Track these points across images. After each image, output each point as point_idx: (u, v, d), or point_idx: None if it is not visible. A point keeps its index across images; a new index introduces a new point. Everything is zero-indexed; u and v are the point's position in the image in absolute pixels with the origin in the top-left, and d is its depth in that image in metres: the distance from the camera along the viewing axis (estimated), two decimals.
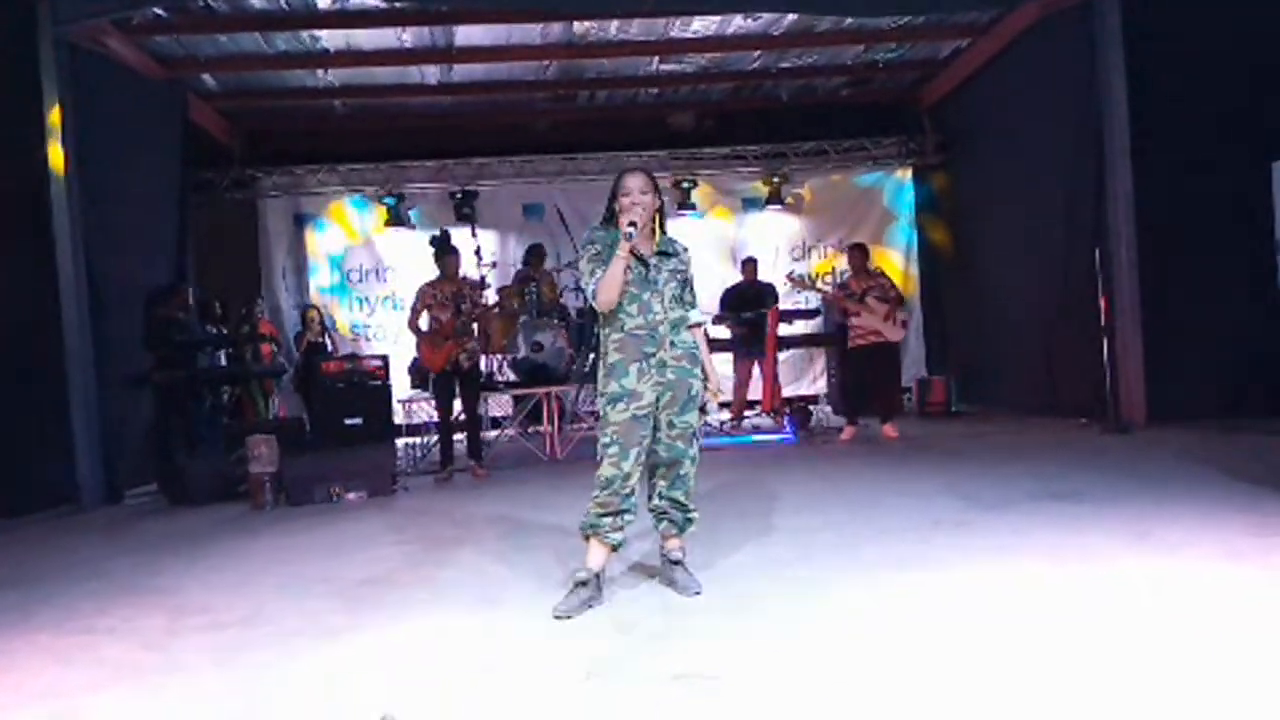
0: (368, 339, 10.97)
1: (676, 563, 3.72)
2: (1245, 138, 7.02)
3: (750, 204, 11.43)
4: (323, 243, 11.12)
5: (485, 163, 10.99)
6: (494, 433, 8.97)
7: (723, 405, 9.38)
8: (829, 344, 9.93)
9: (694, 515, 3.75)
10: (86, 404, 6.98)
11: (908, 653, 2.85)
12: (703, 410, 3.68)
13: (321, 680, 2.98)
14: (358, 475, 6.61)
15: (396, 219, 10.87)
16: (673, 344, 3.60)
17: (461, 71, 9.84)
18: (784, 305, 9.46)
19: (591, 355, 3.77)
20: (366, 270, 11.14)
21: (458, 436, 7.43)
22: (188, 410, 7.39)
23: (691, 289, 3.76)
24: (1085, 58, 7.73)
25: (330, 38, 8.74)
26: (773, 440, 8.38)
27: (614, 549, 3.64)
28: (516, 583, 4.01)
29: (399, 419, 8.89)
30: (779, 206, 11.26)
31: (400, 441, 8.72)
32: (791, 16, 8.83)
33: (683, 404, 3.61)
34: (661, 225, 3.70)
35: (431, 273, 7.54)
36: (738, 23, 9.03)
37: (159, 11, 7.78)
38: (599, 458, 3.58)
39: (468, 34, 8.89)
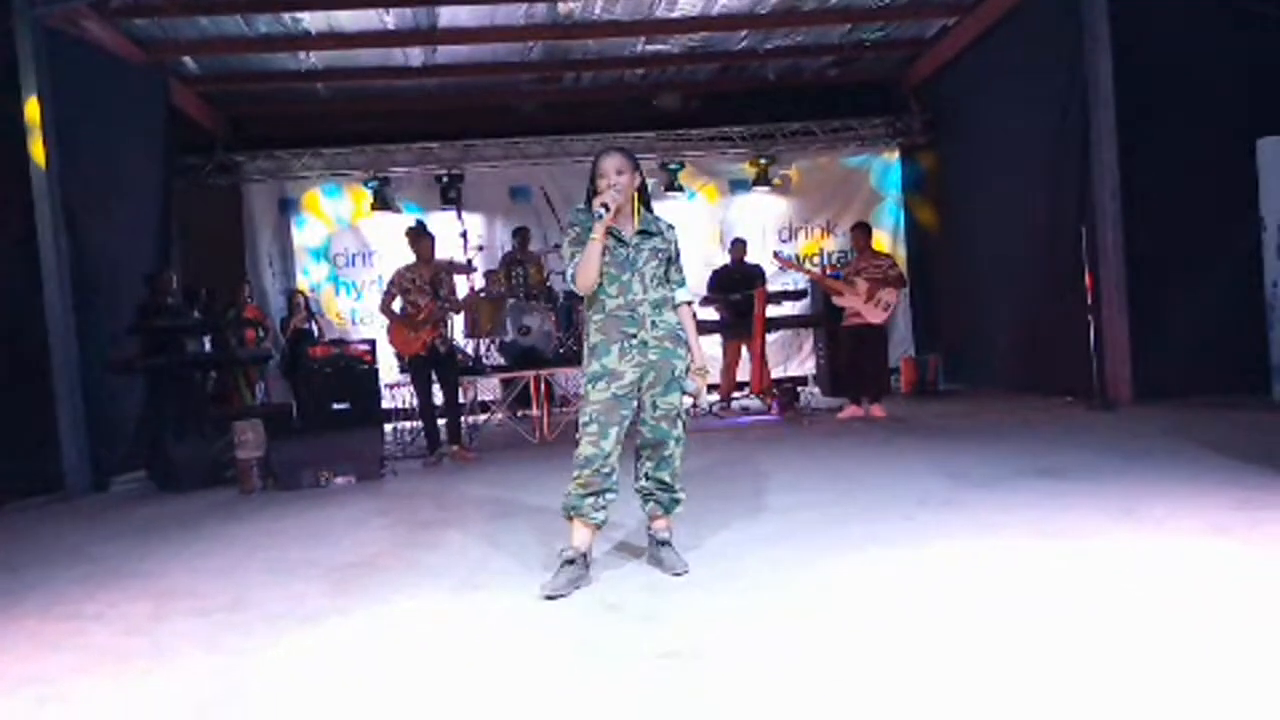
0: (354, 323, 10.92)
1: (663, 543, 3.72)
2: (1231, 115, 7.03)
3: (737, 185, 11.41)
4: (308, 227, 11.05)
5: (471, 145, 10.94)
6: (482, 416, 8.95)
7: (711, 387, 9.39)
8: (817, 325, 9.94)
9: (680, 496, 3.74)
10: (71, 391, 6.94)
11: (894, 630, 2.86)
12: (686, 391, 3.65)
13: (306, 663, 2.98)
14: (345, 460, 6.59)
15: (382, 203, 10.81)
16: (654, 324, 3.59)
17: (445, 53, 9.78)
18: (772, 286, 9.45)
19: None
20: (353, 255, 11.08)
21: (440, 421, 7.40)
22: (174, 396, 7.34)
23: (678, 267, 3.74)
24: (1071, 35, 7.71)
25: (312, 20, 8.67)
26: (761, 421, 8.39)
27: (597, 528, 3.62)
28: (502, 564, 4.01)
29: (387, 403, 8.85)
30: (766, 188, 11.24)
31: (388, 426, 8.69)
32: None
33: (666, 384, 3.60)
34: (645, 203, 3.69)
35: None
36: (723, 2, 8.99)
37: None
38: (578, 436, 3.58)
39: (451, 15, 8.82)
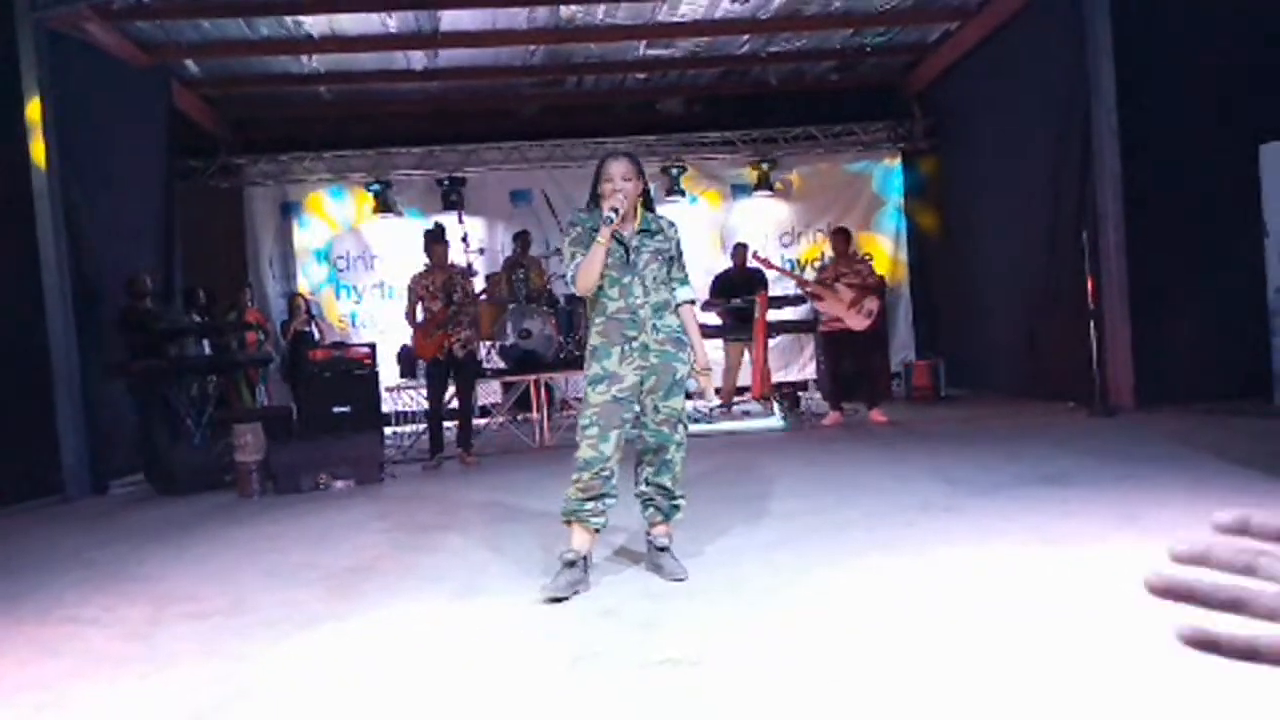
0: (355, 326, 10.92)
1: (663, 549, 3.68)
2: (1233, 120, 7.01)
3: (739, 190, 11.40)
4: (309, 230, 11.05)
5: (472, 149, 10.93)
6: (483, 420, 8.93)
7: (715, 391, 9.37)
8: (816, 330, 9.92)
9: (680, 502, 3.70)
10: (71, 394, 6.93)
11: (894, 637, 2.85)
12: (689, 394, 3.66)
13: (305, 668, 2.97)
14: (345, 463, 6.58)
15: (384, 206, 10.80)
16: (655, 327, 3.57)
17: (447, 57, 9.77)
18: (774, 291, 9.43)
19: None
20: (354, 258, 11.07)
21: (447, 424, 7.40)
22: (169, 400, 7.33)
23: (680, 265, 3.72)
24: (1074, 41, 7.70)
25: (314, 23, 8.66)
26: (761, 426, 8.37)
27: (596, 532, 3.60)
28: (502, 569, 4.00)
29: (387, 407, 8.84)
30: (768, 192, 11.23)
31: (388, 430, 8.69)
32: (777, 1, 8.78)
33: (667, 389, 3.58)
34: (648, 206, 3.69)
35: (419, 261, 7.51)
36: (725, 6, 8.98)
37: None
38: (578, 439, 3.56)
39: (453, 19, 8.81)
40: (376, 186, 10.75)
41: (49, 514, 6.28)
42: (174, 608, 3.75)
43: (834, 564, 3.70)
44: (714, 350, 9.30)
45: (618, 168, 3.57)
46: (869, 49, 10.34)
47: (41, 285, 6.87)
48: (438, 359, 7.18)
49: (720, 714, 2.38)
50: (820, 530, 4.26)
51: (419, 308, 7.21)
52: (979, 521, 4.21)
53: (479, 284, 8.69)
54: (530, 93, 11.02)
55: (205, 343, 8.73)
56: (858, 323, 7.92)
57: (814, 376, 10.72)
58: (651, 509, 3.69)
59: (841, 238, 8.34)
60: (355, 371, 8.27)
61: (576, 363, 8.22)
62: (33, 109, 6.82)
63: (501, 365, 8.48)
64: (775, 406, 8.68)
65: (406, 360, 9.41)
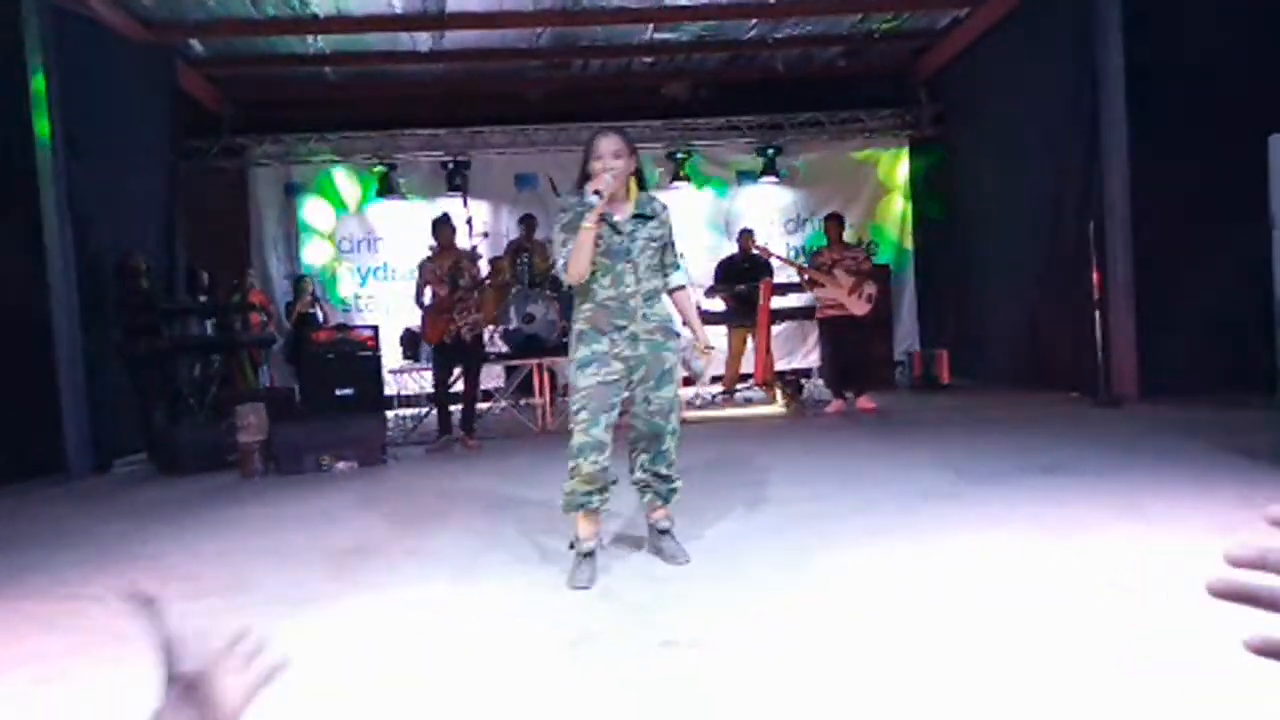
0: (359, 309, 10.91)
1: (664, 532, 3.67)
2: (1243, 112, 6.93)
3: (745, 175, 11.35)
4: (313, 211, 11.02)
5: (478, 132, 10.88)
6: (486, 404, 8.93)
7: (715, 378, 9.37)
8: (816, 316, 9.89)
9: (677, 485, 3.67)
10: (74, 372, 6.92)
11: (893, 622, 2.84)
12: (689, 378, 3.66)
13: (304, 648, 2.97)
14: (348, 445, 6.58)
15: (388, 188, 10.77)
16: (645, 316, 3.46)
17: (453, 39, 9.72)
18: (778, 278, 9.40)
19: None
20: (358, 240, 11.05)
21: (453, 407, 7.40)
22: (170, 379, 7.33)
23: (672, 249, 3.60)
24: (1082, 30, 7.65)
25: (320, 3, 8.62)
26: (763, 413, 8.36)
27: (598, 512, 3.57)
28: (503, 553, 4.00)
29: (390, 390, 8.84)
30: (774, 178, 11.19)
31: (390, 412, 8.68)
32: None
33: (658, 378, 3.49)
34: (641, 185, 3.54)
35: (423, 244, 7.52)
36: None
37: None
38: (570, 425, 3.48)
39: (460, 0, 8.77)
40: (380, 168, 10.71)
41: (51, 492, 6.28)
42: (175, 586, 3.75)
43: (834, 550, 3.69)
44: (717, 337, 9.32)
45: (607, 144, 3.40)
46: (877, 35, 10.27)
47: (45, 264, 6.86)
48: (444, 343, 7.19)
49: (719, 697, 2.38)
50: (821, 516, 4.26)
51: (428, 292, 7.22)
52: (981, 509, 4.20)
53: (483, 268, 8.68)
54: (536, 76, 10.96)
55: (208, 323, 8.73)
56: (859, 308, 7.93)
57: (817, 364, 10.70)
58: (650, 494, 3.66)
59: (835, 224, 8.33)
60: (358, 353, 8.27)
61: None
62: (37, 85, 6.79)
63: (505, 349, 8.47)
64: (778, 394, 8.67)
65: (409, 343, 9.41)
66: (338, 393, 8.29)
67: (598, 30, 9.76)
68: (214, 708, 0.85)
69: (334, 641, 3.00)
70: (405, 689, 2.58)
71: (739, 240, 9.83)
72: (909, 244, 11.46)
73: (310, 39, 9.46)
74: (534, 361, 8.13)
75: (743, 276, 9.29)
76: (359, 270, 11.06)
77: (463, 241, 8.19)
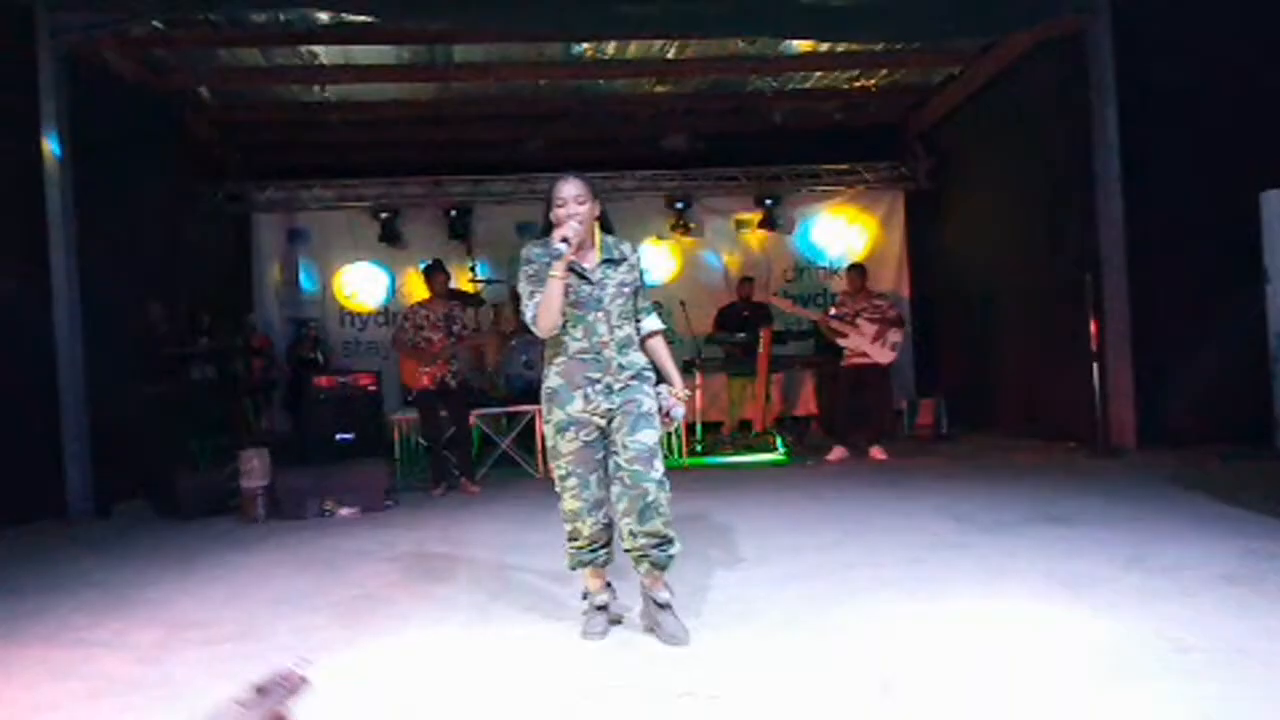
0: (359, 355, 10.94)
1: (664, 605, 3.33)
2: (1234, 167, 7.10)
3: (743, 225, 11.47)
4: (315, 257, 11.10)
5: (480, 180, 11.00)
6: (485, 450, 8.94)
7: (715, 425, 9.40)
8: (819, 365, 9.95)
9: (674, 548, 3.33)
10: (77, 415, 6.93)
11: (911, 677, 2.86)
12: (667, 417, 3.38)
13: (321, 695, 2.96)
14: (350, 490, 6.58)
15: (390, 236, 10.86)
16: (620, 366, 3.30)
17: (459, 88, 9.87)
18: (778, 326, 9.48)
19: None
20: (359, 286, 11.11)
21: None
22: (180, 423, 7.34)
23: (644, 294, 3.45)
24: (1077, 85, 7.81)
25: (328, 53, 8.76)
26: (763, 460, 8.38)
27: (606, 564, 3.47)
28: (513, 599, 4.00)
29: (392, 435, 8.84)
30: (772, 229, 11.31)
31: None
32: (787, 41, 8.90)
33: (633, 423, 3.27)
34: (606, 229, 3.39)
35: (420, 292, 7.60)
36: (733, 46, 9.09)
37: (158, 24, 7.79)
38: (559, 490, 3.35)
39: (466, 51, 8.92)
40: (383, 216, 10.80)
41: (52, 536, 6.24)
42: (184, 633, 3.75)
43: (845, 600, 3.71)
44: (720, 386, 9.40)
45: (569, 189, 3.26)
46: (874, 90, 10.46)
47: (50, 305, 6.90)
48: (428, 389, 7.24)
49: None
50: (828, 566, 4.27)
51: (414, 335, 7.26)
52: (988, 560, 4.23)
53: (487, 315, 8.76)
54: (538, 126, 11.10)
55: (208, 367, 8.75)
56: (884, 356, 8.01)
57: (815, 412, 10.74)
58: (646, 564, 3.31)
59: (858, 274, 8.40)
60: (360, 398, 8.29)
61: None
62: (49, 130, 6.88)
63: (506, 395, 8.51)
64: (778, 441, 8.70)
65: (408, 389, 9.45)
66: (338, 437, 8.30)
67: (600, 83, 9.92)
68: None
69: (350, 690, 3.00)
70: None
71: (739, 288, 9.93)
72: (906, 293, 11.56)
73: (317, 88, 9.60)
74: (535, 408, 8.14)
75: (743, 324, 9.36)
76: (359, 317, 11.09)
77: (467, 288, 8.29)
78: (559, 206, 3.26)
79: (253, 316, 10.17)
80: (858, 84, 10.32)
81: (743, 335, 9.21)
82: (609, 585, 3.51)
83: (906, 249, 11.61)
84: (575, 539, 3.38)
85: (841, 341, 8.12)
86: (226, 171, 10.79)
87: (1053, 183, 8.50)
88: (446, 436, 7.44)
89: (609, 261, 3.33)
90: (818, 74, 9.97)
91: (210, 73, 9.05)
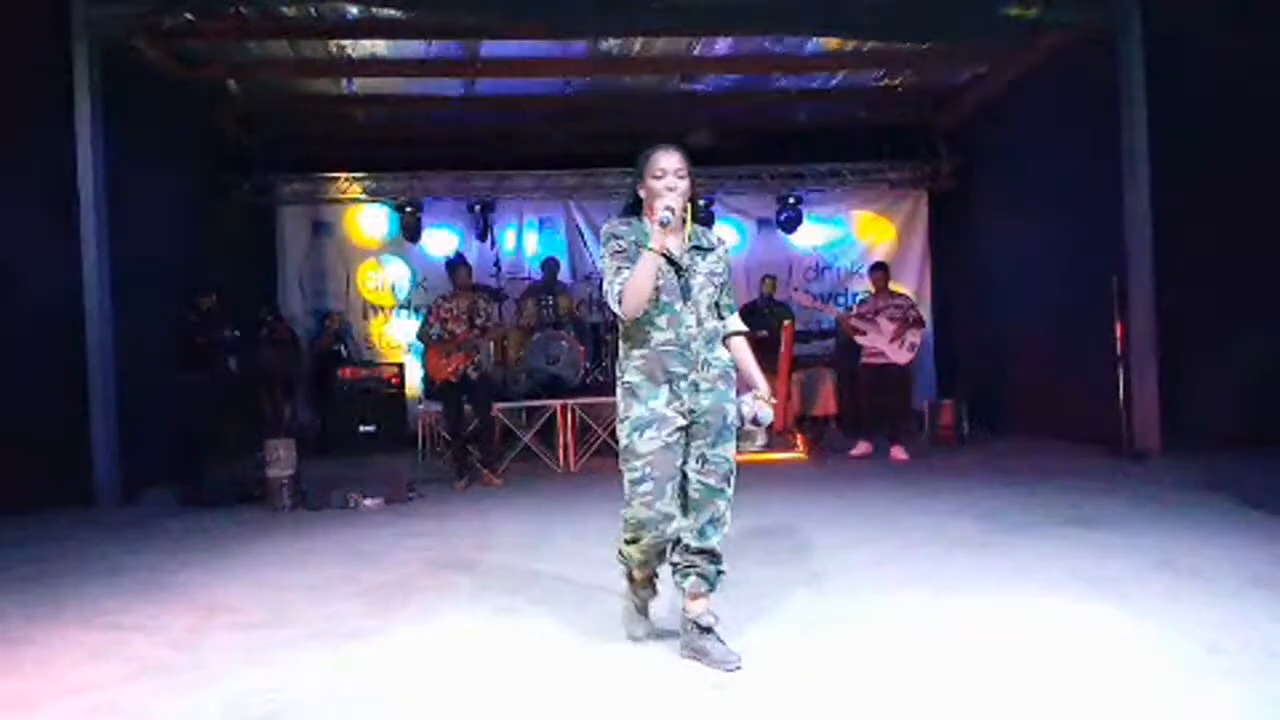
0: (385, 347, 11.01)
1: (708, 629, 3.03)
2: (1264, 170, 7.05)
3: (764, 224, 11.48)
4: (339, 250, 11.17)
5: (504, 175, 11.05)
6: (508, 444, 8.99)
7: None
8: (840, 365, 9.95)
9: (725, 567, 3.11)
10: (106, 402, 7.01)
11: (945, 676, 2.87)
12: (749, 429, 3.09)
13: (355, 681, 3.00)
14: (375, 481, 6.62)
15: (414, 229, 10.91)
16: (707, 363, 3.02)
17: (484, 84, 9.90)
18: (799, 325, 9.48)
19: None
20: (384, 279, 11.18)
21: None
22: (209, 412, 7.43)
23: (730, 291, 3.21)
24: (1106, 87, 7.75)
25: (357, 47, 8.81)
26: (784, 459, 8.38)
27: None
28: (539, 591, 4.03)
29: (415, 427, 8.90)
30: (795, 227, 11.31)
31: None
32: (814, 39, 8.90)
33: (717, 433, 3.01)
34: (694, 216, 3.13)
35: (445, 285, 7.65)
36: (760, 44, 9.10)
37: (189, 17, 7.85)
38: (627, 497, 3.00)
39: (491, 47, 8.95)
40: (408, 209, 10.86)
41: (81, 521, 6.31)
42: (216, 618, 3.79)
43: (869, 596, 3.72)
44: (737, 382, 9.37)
45: (671, 160, 3.01)
46: (899, 89, 10.43)
47: (82, 294, 6.98)
48: (451, 381, 7.28)
49: None
50: (851, 564, 4.29)
51: (436, 329, 7.31)
52: (1012, 560, 4.23)
53: (509, 309, 8.80)
54: (563, 122, 11.12)
55: (235, 357, 8.83)
56: (901, 356, 8.03)
57: (834, 412, 10.73)
58: (694, 577, 3.04)
59: (881, 273, 8.42)
60: (383, 390, 8.37)
61: (601, 389, 8.28)
62: (82, 120, 6.96)
63: (529, 389, 8.56)
64: (798, 439, 8.70)
65: (432, 381, 9.51)
66: (361, 429, 8.37)
67: (625, 79, 9.93)
68: None
69: (383, 676, 3.04)
70: None
71: (761, 285, 9.94)
72: (927, 294, 11.54)
73: (345, 82, 9.65)
74: (558, 403, 8.19)
75: (764, 322, 9.37)
76: (384, 309, 11.16)
77: (489, 283, 8.33)
78: (657, 178, 3.00)
79: (278, 308, 10.24)
80: (882, 83, 10.29)
81: (764, 333, 9.21)
82: (653, 585, 3.27)
83: (930, 249, 11.60)
84: (634, 543, 3.07)
85: (860, 339, 8.14)
86: (253, 164, 10.86)
87: (1077, 184, 8.46)
88: (470, 429, 7.48)
89: (697, 249, 3.08)
90: (842, 73, 9.96)
91: (239, 64, 9.12)
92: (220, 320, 8.51)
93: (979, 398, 9.99)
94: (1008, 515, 5.25)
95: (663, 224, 2.89)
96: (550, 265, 10.08)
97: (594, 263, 10.71)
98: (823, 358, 9.93)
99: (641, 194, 3.07)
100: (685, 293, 3.03)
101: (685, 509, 3.02)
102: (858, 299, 10.25)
